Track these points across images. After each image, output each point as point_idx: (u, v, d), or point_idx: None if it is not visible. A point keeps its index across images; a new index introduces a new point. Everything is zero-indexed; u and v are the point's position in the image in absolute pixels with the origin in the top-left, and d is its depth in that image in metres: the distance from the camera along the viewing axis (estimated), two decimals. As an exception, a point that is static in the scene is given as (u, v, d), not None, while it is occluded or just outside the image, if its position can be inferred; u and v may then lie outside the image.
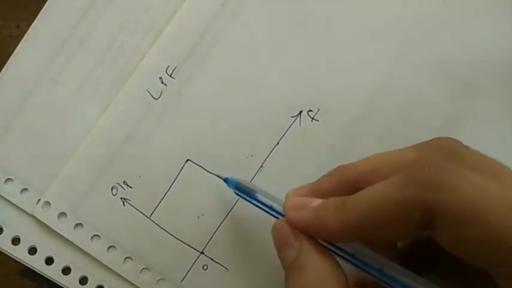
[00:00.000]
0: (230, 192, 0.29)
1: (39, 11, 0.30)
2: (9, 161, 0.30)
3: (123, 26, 0.30)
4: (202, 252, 0.30)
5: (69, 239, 0.30)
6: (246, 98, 0.30)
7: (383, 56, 0.30)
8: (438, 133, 0.23)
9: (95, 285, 0.30)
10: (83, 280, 0.30)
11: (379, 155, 0.23)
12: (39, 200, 0.30)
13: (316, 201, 0.23)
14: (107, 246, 0.30)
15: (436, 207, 0.18)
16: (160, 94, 0.30)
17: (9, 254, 0.30)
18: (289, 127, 0.30)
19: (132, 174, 0.30)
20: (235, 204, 0.30)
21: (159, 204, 0.30)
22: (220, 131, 0.30)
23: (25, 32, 0.30)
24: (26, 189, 0.30)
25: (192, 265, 0.30)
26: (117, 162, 0.30)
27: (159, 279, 0.30)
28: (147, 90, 0.30)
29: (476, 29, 0.31)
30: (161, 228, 0.30)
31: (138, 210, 0.30)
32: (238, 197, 0.28)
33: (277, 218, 0.25)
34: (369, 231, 0.20)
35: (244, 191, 0.27)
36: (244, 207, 0.29)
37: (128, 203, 0.30)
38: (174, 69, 0.30)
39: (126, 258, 0.30)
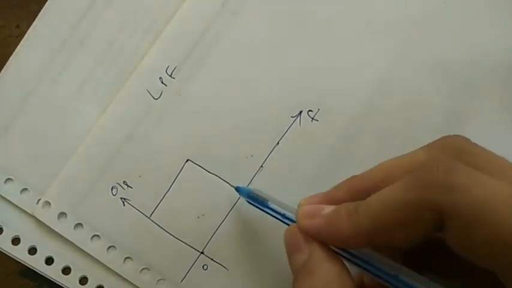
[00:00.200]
0: (230, 192, 0.29)
1: (39, 11, 0.30)
2: (9, 161, 0.30)
3: (123, 26, 0.30)
4: (202, 252, 0.30)
5: (69, 239, 0.30)
6: (246, 98, 0.30)
7: (383, 56, 0.30)
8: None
9: (95, 285, 0.30)
10: (83, 280, 0.30)
11: (391, 161, 0.23)
12: (39, 200, 0.30)
13: (328, 208, 0.23)
14: (107, 246, 0.30)
15: (445, 207, 0.18)
16: (160, 94, 0.30)
17: (9, 254, 0.30)
18: (289, 127, 0.30)
19: (132, 174, 0.30)
20: (235, 204, 0.30)
21: (159, 204, 0.30)
22: (220, 131, 0.30)
23: (25, 32, 0.30)
24: (26, 189, 0.30)
25: (192, 265, 0.30)
26: (117, 162, 0.30)
27: (159, 279, 0.30)
28: (147, 90, 0.30)
29: (476, 29, 0.31)
30: (161, 228, 0.30)
31: (138, 210, 0.30)
32: (251, 205, 0.28)
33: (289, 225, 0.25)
34: (381, 236, 0.20)
35: (256, 200, 0.27)
36: (245, 207, 0.29)
37: (128, 203, 0.30)
38: (174, 69, 0.30)
39: (126, 258, 0.30)
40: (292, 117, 0.30)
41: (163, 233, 0.30)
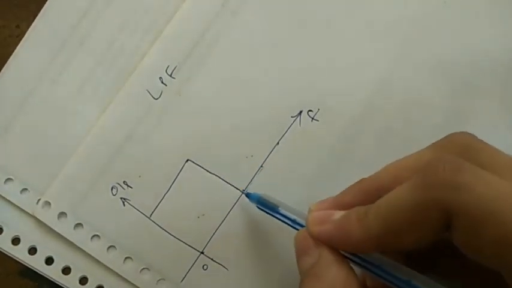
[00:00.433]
0: (230, 192, 0.29)
1: (39, 11, 0.30)
2: (9, 161, 0.30)
3: (123, 26, 0.30)
4: (202, 252, 0.30)
5: (69, 239, 0.30)
6: (246, 98, 0.30)
7: (383, 56, 0.30)
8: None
9: (95, 285, 0.30)
10: (83, 280, 0.30)
11: (398, 162, 0.23)
12: (39, 200, 0.30)
13: (338, 214, 0.22)
14: (107, 246, 0.30)
15: (452, 206, 0.18)
16: (160, 94, 0.30)
17: (9, 254, 0.30)
18: (289, 127, 0.30)
19: (132, 174, 0.30)
20: (235, 204, 0.30)
21: (159, 204, 0.30)
22: (220, 131, 0.30)
23: (25, 32, 0.30)
24: (26, 189, 0.30)
25: (192, 265, 0.30)
26: (117, 162, 0.30)
27: (159, 279, 0.30)
28: (147, 90, 0.30)
29: (476, 29, 0.31)
30: (161, 228, 0.30)
31: (138, 210, 0.30)
32: (260, 210, 0.28)
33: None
34: (391, 239, 0.20)
35: (266, 206, 0.27)
36: (245, 207, 0.29)
37: (128, 203, 0.30)
38: (174, 69, 0.30)
39: (126, 258, 0.30)
40: (292, 117, 0.30)
41: (163, 233, 0.30)
